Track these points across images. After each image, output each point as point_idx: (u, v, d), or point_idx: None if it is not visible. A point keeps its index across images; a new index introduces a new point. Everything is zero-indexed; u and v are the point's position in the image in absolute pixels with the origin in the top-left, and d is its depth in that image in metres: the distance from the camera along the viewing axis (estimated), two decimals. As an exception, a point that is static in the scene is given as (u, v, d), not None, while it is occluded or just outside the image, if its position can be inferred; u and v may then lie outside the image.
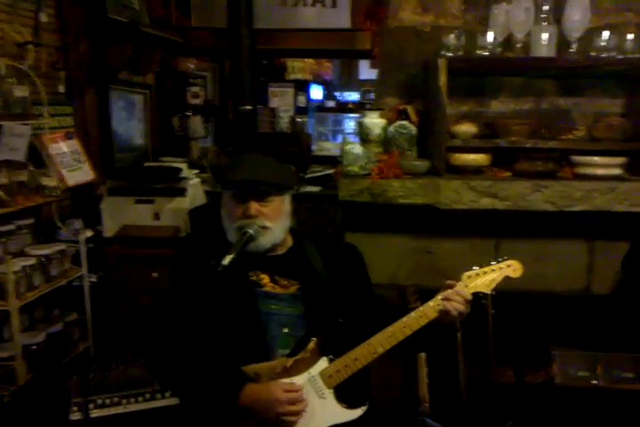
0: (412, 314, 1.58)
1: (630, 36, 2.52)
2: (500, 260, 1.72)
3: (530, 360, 2.62)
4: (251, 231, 1.57)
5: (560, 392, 2.32)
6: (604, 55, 2.50)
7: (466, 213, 2.53)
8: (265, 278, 1.64)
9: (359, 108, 4.00)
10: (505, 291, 2.17)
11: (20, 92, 2.66)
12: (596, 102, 2.74)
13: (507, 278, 1.71)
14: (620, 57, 2.49)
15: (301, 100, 5.51)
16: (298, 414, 1.50)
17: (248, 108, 2.62)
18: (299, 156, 4.19)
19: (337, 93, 6.86)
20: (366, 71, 6.67)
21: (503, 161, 2.63)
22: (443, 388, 2.40)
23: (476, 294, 1.67)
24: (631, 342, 2.47)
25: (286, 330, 1.60)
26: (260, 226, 1.59)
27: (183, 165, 3.27)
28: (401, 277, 2.69)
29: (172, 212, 3.09)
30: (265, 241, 1.61)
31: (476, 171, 2.58)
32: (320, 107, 6.04)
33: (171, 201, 3.09)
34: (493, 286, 1.68)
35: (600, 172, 2.51)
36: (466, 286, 1.63)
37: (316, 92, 6.13)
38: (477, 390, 2.46)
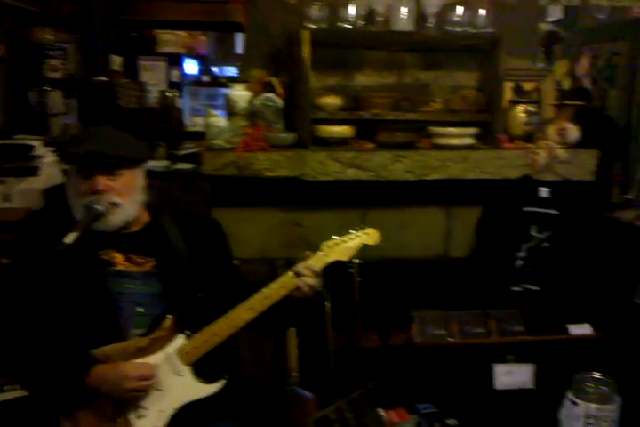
0: (272, 285, 1.60)
1: (482, 12, 2.65)
2: (358, 228, 1.76)
3: (394, 324, 2.76)
4: (99, 208, 1.50)
5: (419, 351, 2.47)
6: (458, 30, 2.62)
7: (333, 184, 2.58)
8: (118, 257, 1.57)
9: (229, 81, 3.93)
10: (370, 259, 2.28)
11: None
12: (453, 76, 2.88)
13: (367, 246, 1.76)
14: (472, 32, 2.62)
15: (175, 74, 5.31)
16: (146, 389, 1.47)
17: (102, 79, 2.48)
18: (169, 131, 4.05)
19: (214, 68, 6.67)
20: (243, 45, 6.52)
21: (367, 133, 2.70)
22: (313, 357, 2.47)
23: (342, 263, 1.71)
24: (482, 300, 2.67)
25: (141, 309, 1.55)
26: (110, 202, 1.51)
27: (37, 143, 3.05)
28: (271, 250, 2.71)
29: (24, 192, 2.89)
30: (115, 219, 1.54)
31: (341, 143, 2.63)
32: (195, 82, 5.87)
33: (22, 181, 2.90)
34: (352, 253, 1.72)
35: (455, 142, 2.65)
36: (326, 256, 1.66)
37: (191, 67, 5.93)
38: (346, 356, 2.56)
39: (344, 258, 1.71)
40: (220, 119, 2.44)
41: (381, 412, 2.13)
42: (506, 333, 2.65)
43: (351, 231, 1.75)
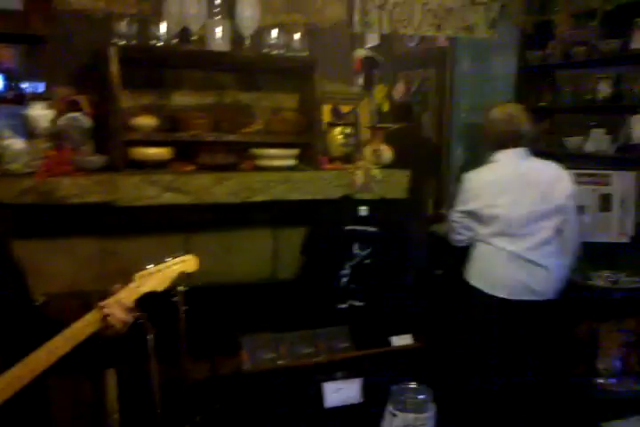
0: (75, 324, 1.45)
1: (297, 36, 2.70)
2: (175, 256, 1.67)
3: (224, 351, 2.68)
4: None
5: (250, 378, 2.41)
6: (274, 52, 2.64)
7: (152, 209, 2.45)
8: None
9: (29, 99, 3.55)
10: (197, 285, 2.19)
11: None
12: (273, 97, 2.89)
13: (190, 273, 1.68)
14: (288, 54, 2.65)
15: (-27, 90, 4.77)
16: None
17: None
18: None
19: (23, 84, 6.11)
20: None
21: (187, 155, 2.61)
22: (136, 394, 2.31)
23: (165, 292, 1.61)
24: (311, 320, 2.69)
25: None
26: None
27: None
28: (85, 283, 2.50)
29: None
30: None
31: (158, 165, 2.51)
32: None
33: None
34: (168, 283, 1.63)
35: (276, 163, 2.66)
36: (138, 287, 1.55)
37: (-8, 83, 5.38)
38: (173, 389, 2.43)
39: (159, 288, 1.61)
40: (16, 141, 2.20)
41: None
42: (335, 350, 2.70)
43: (166, 260, 1.65)
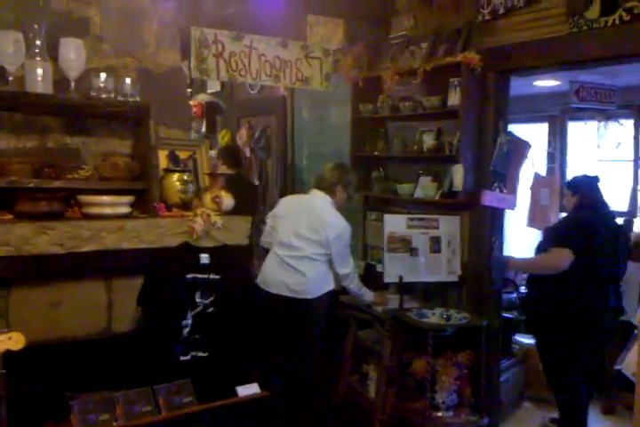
0: None
1: (128, 80, 2.63)
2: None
3: (51, 416, 2.42)
4: None
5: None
6: (103, 96, 2.55)
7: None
8: None
9: None
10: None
11: None
12: (104, 142, 2.77)
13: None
14: (119, 99, 2.57)
15: None
16: None
17: None
18: None
19: None
20: None
21: (4, 202, 2.40)
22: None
23: None
24: (151, 374, 2.54)
25: None
26: None
27: None
28: None
29: None
30: None
31: (-30, 214, 2.27)
32: None
33: None
34: None
35: (108, 211, 2.53)
36: None
37: None
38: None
39: None
40: None
41: None
42: (176, 406, 2.55)
43: None
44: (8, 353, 2.09)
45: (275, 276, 3.17)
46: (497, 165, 3.15)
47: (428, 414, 2.99)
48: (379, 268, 3.76)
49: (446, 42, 3.33)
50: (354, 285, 3.31)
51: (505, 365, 3.66)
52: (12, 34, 2.32)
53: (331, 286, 3.22)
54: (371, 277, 3.75)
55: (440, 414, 3.04)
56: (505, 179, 3.21)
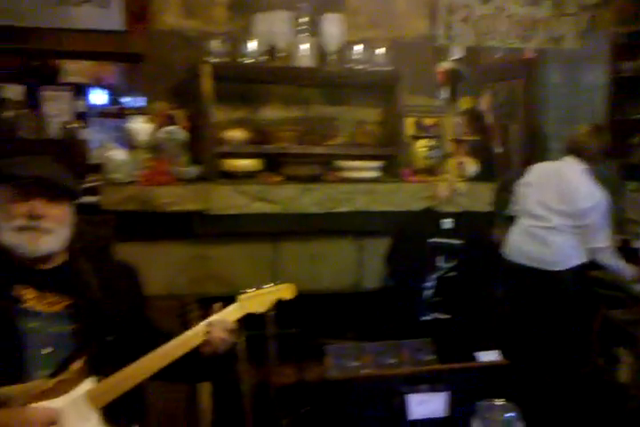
0: (187, 333, 1.55)
1: (380, 51, 2.75)
2: (276, 283, 1.75)
3: (309, 357, 2.72)
4: None
5: (333, 385, 2.43)
6: (358, 67, 2.70)
7: (242, 217, 2.55)
8: (29, 294, 1.48)
9: (130, 113, 3.79)
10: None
11: None
12: (357, 111, 2.95)
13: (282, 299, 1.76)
14: (371, 69, 2.71)
15: (80, 104, 5.15)
16: None
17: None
18: (73, 164, 3.89)
19: (126, 98, 6.53)
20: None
21: (274, 166, 2.71)
22: (227, 395, 2.39)
23: None
24: (395, 330, 2.68)
25: (49, 350, 1.46)
26: (45, 228, 1.44)
27: None
28: (180, 286, 2.63)
29: None
30: (44, 246, 1.45)
31: (247, 176, 2.62)
32: (101, 113, 5.71)
33: None
34: (267, 306, 1.69)
35: (360, 175, 2.70)
36: (242, 308, 1.63)
37: (99, 97, 5.78)
38: (262, 391, 2.49)
39: (260, 310, 1.69)
40: (119, 152, 2.37)
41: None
42: (418, 362, 2.67)
43: (267, 285, 1.73)
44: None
45: (520, 246, 3.05)
46: None
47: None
48: (636, 244, 3.42)
49: None
50: (610, 259, 3.06)
51: None
52: (280, 14, 2.57)
53: (580, 259, 3.04)
54: (626, 254, 3.44)
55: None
56: None
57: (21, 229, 1.43)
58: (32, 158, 1.51)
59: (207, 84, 2.37)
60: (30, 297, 1.48)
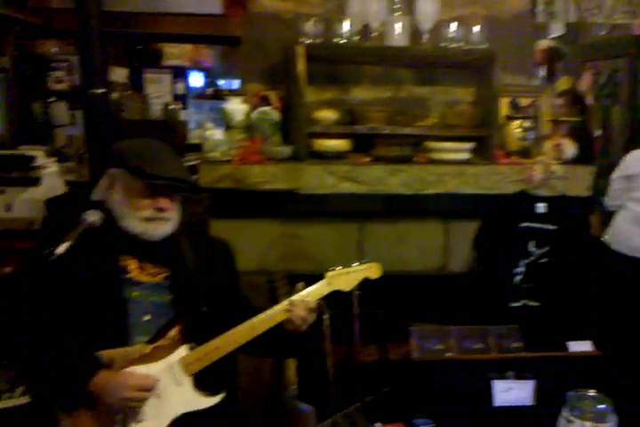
0: (275, 307, 1.61)
1: (476, 29, 2.67)
2: (363, 262, 1.77)
3: (393, 338, 2.74)
4: (90, 220, 1.54)
5: (417, 366, 2.44)
6: (453, 46, 2.64)
7: (330, 197, 2.59)
8: (133, 264, 1.61)
9: (227, 95, 3.93)
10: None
11: None
12: (449, 91, 2.90)
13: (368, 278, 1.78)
14: (466, 48, 2.64)
15: (180, 87, 5.36)
16: (143, 400, 1.48)
17: (99, 91, 2.52)
18: (173, 143, 4.07)
19: (221, 81, 6.72)
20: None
21: (363, 147, 2.72)
22: (311, 369, 2.45)
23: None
24: (481, 315, 2.65)
25: (148, 317, 1.58)
26: (167, 218, 1.60)
27: (39, 154, 3.09)
28: (269, 262, 2.72)
29: (26, 202, 2.91)
30: (162, 231, 1.60)
31: (337, 156, 2.64)
32: (199, 95, 5.92)
33: (23, 191, 2.92)
34: (354, 285, 1.72)
35: (451, 156, 2.66)
36: (329, 284, 1.67)
37: (196, 80, 5.99)
38: (345, 369, 2.54)
39: (346, 288, 1.72)
40: (216, 132, 2.46)
41: (378, 426, 2.10)
42: (505, 349, 2.62)
43: (354, 264, 1.75)
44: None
45: (627, 235, 2.94)
46: None
47: None
48: None
49: None
50: None
51: None
52: (376, -9, 2.55)
53: None
54: None
55: None
56: None
57: (148, 219, 1.57)
58: (166, 158, 1.63)
59: (301, 65, 2.41)
60: (133, 267, 1.61)
